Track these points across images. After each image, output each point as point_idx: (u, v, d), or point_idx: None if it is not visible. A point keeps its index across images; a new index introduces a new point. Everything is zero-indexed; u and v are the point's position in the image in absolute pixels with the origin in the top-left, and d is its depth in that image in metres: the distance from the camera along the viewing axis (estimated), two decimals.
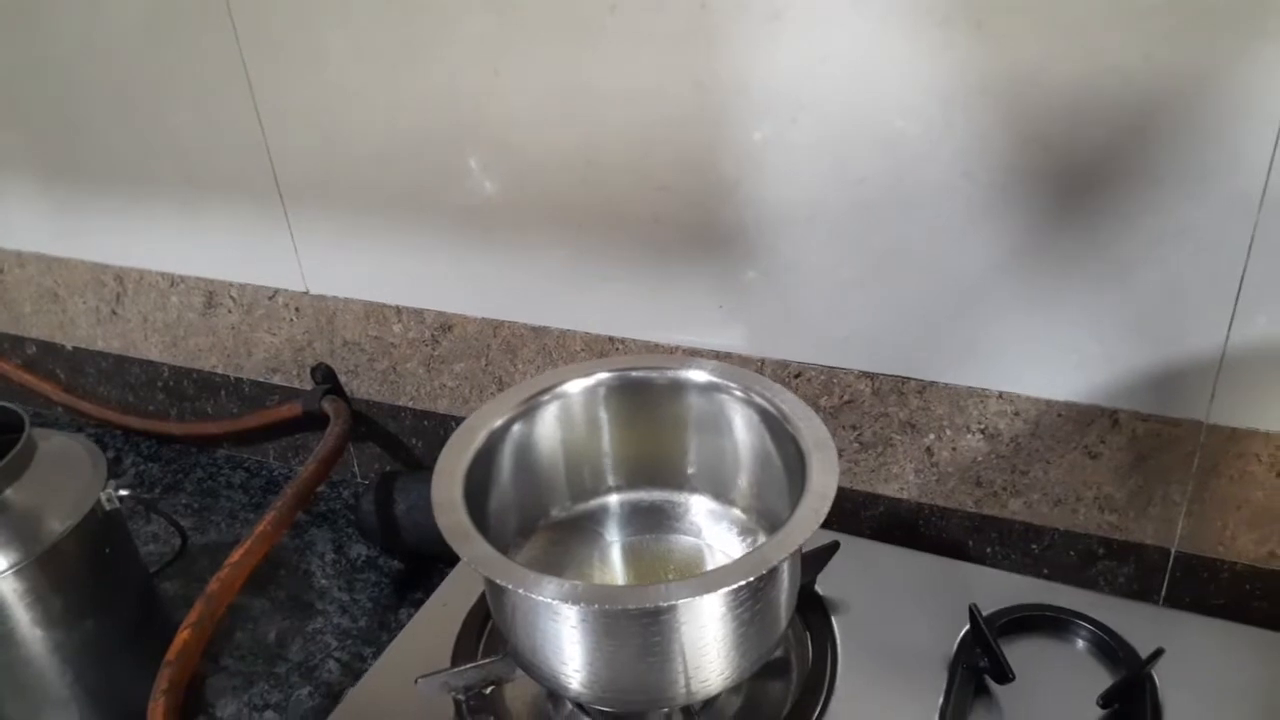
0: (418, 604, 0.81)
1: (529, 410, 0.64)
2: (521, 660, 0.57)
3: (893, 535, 0.82)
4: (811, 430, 0.59)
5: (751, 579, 0.50)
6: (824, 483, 0.55)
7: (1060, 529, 0.77)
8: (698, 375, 0.65)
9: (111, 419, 1.11)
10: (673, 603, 0.50)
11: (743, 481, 0.67)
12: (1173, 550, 0.74)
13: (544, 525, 0.68)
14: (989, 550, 0.80)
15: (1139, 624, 0.63)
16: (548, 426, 0.65)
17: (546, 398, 0.64)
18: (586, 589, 0.50)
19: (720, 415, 0.66)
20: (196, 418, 1.09)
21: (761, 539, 0.66)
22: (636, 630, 0.52)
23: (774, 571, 0.53)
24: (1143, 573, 0.76)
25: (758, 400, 0.62)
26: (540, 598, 0.50)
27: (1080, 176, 0.65)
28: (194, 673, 0.73)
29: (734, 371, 0.65)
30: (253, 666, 0.84)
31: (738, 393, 0.64)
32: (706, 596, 0.50)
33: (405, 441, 0.99)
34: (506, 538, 0.63)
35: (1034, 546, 0.78)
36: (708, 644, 0.53)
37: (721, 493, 0.69)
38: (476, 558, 0.53)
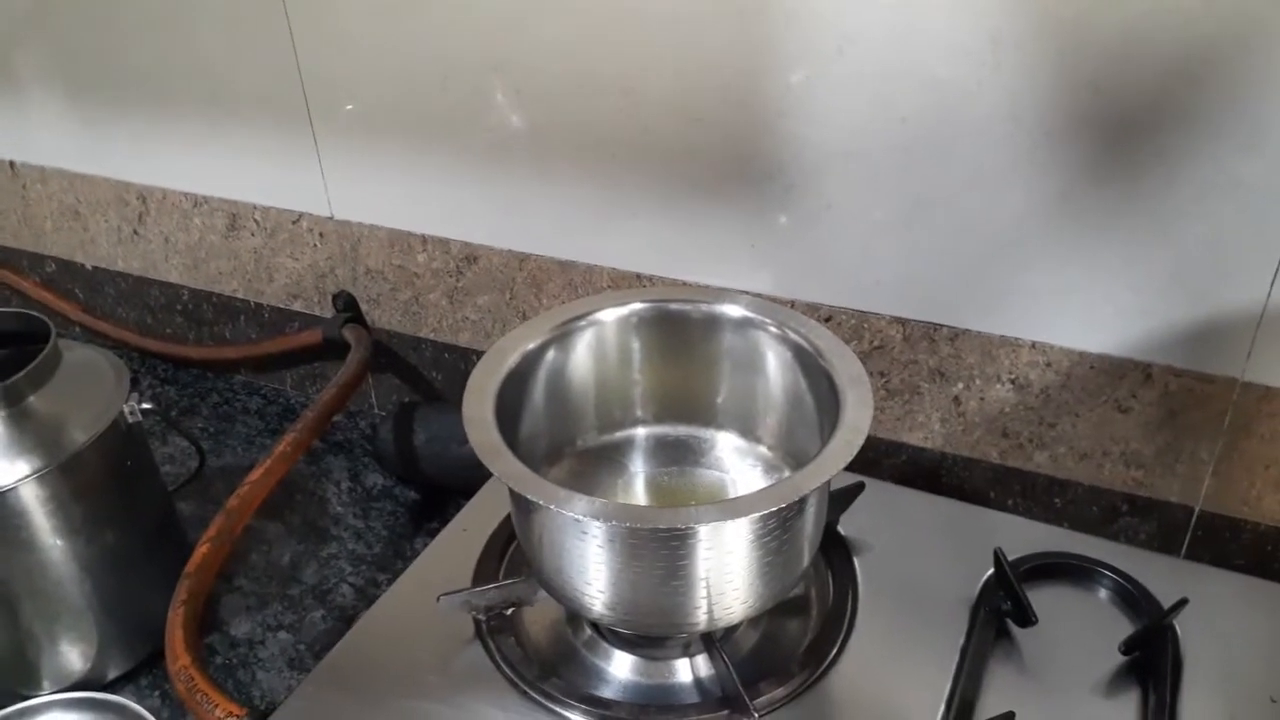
0: (433, 534, 0.82)
1: (563, 335, 0.64)
2: (544, 580, 0.58)
3: (914, 484, 0.82)
4: (846, 367, 0.59)
5: (780, 507, 0.51)
6: (858, 417, 0.55)
7: (1084, 483, 0.77)
8: (733, 310, 0.65)
9: (129, 340, 1.11)
10: (701, 525, 0.50)
11: (771, 419, 0.67)
12: (1196, 508, 0.74)
13: (570, 453, 0.68)
14: (1011, 503, 0.80)
15: (1162, 575, 0.63)
16: (581, 354, 0.66)
17: (582, 324, 0.64)
18: (615, 507, 0.50)
19: (753, 351, 0.66)
20: (214, 342, 1.09)
21: (785, 471, 0.67)
22: (663, 552, 0.52)
23: (802, 502, 0.54)
24: (1164, 530, 0.76)
25: (792, 336, 0.62)
26: (570, 514, 0.50)
27: (1129, 124, 0.64)
28: (209, 591, 0.74)
29: (769, 308, 0.65)
30: (267, 588, 0.85)
31: (772, 329, 0.64)
32: (734, 521, 0.50)
33: (425, 374, 1.00)
34: (534, 462, 0.63)
35: (1057, 500, 0.79)
36: (732, 571, 0.54)
37: (749, 430, 0.69)
38: (507, 473, 0.53)
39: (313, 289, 1.00)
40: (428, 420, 0.91)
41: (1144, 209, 0.66)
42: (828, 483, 0.56)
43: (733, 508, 0.50)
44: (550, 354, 0.63)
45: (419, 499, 0.93)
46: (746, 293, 0.79)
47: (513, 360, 0.60)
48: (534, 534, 0.56)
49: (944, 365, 0.77)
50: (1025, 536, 0.67)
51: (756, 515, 0.50)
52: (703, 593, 0.54)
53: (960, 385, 0.77)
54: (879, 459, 0.82)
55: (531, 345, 0.62)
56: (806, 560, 0.59)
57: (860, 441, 0.54)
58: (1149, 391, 0.72)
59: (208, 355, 1.09)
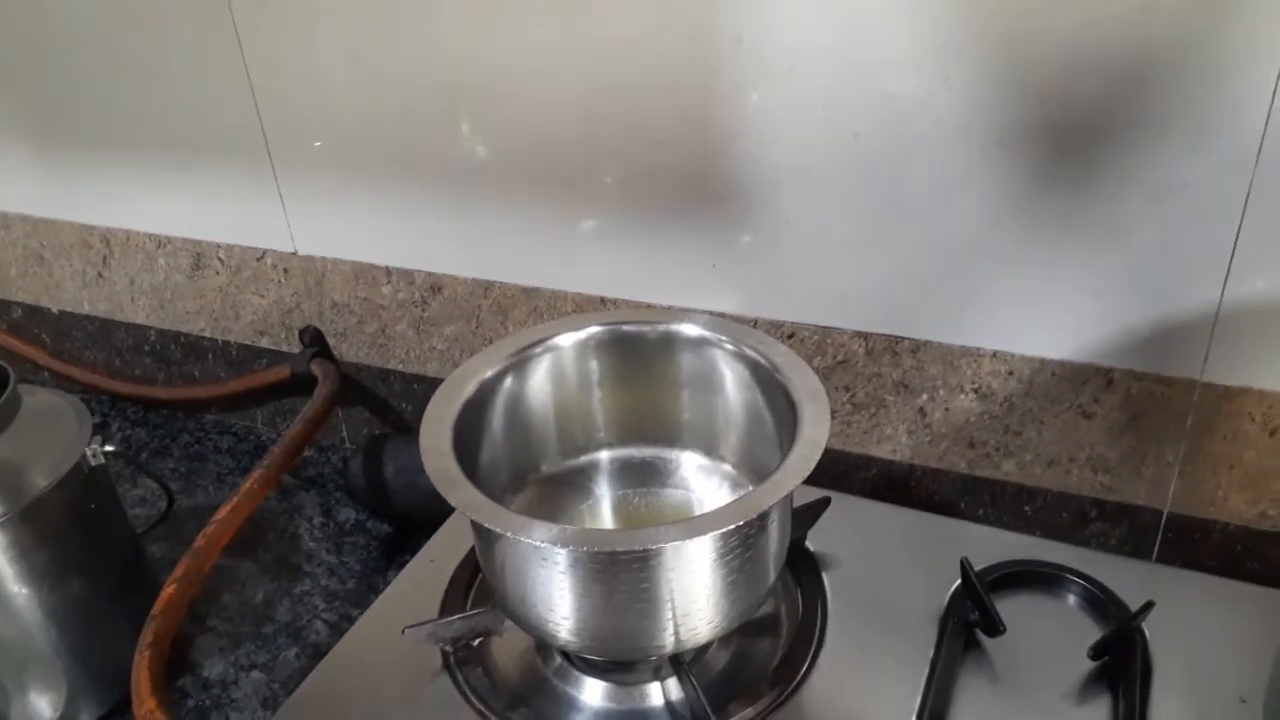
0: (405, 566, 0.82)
1: (520, 362, 0.64)
2: (510, 609, 0.57)
3: (885, 497, 0.82)
4: (804, 382, 0.59)
5: (742, 523, 0.50)
6: (816, 431, 0.55)
7: (1053, 490, 0.77)
8: (689, 329, 0.65)
9: (98, 383, 1.10)
10: (662, 545, 0.50)
11: (733, 437, 0.67)
12: (1165, 511, 0.74)
13: (534, 479, 0.68)
14: (981, 512, 0.80)
15: (1130, 579, 0.63)
16: (539, 379, 0.65)
17: (538, 350, 0.64)
18: (576, 533, 0.50)
19: (712, 370, 0.66)
20: (184, 382, 1.09)
21: (749, 487, 0.66)
22: (625, 575, 0.52)
23: (764, 517, 0.53)
24: (1135, 534, 0.76)
25: (749, 354, 0.63)
26: (530, 541, 0.50)
27: (1077, 131, 0.65)
28: (180, 633, 0.73)
29: (725, 325, 0.65)
30: (239, 627, 0.84)
31: (729, 346, 0.64)
32: (696, 540, 0.50)
33: (395, 405, 0.99)
34: (496, 490, 0.63)
35: (1026, 508, 0.79)
36: (697, 590, 0.54)
37: (712, 448, 0.69)
38: (465, 502, 0.53)
39: (279, 325, 1.00)
40: (397, 452, 0.91)
41: (1097, 215, 0.67)
42: (789, 497, 0.56)
43: (694, 526, 0.50)
44: (508, 381, 0.63)
45: (391, 532, 0.93)
46: (706, 312, 0.80)
47: (470, 388, 0.60)
48: (496, 563, 0.56)
49: (907, 377, 0.77)
50: (993, 545, 0.67)
51: (718, 533, 0.50)
52: (668, 614, 0.54)
53: (925, 396, 0.77)
54: (849, 473, 0.82)
55: (489, 373, 0.62)
56: (772, 576, 0.58)
57: (817, 455, 0.54)
58: (1111, 396, 0.72)
59: (177, 395, 1.08)
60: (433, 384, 0.96)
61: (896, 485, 0.82)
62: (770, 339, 0.63)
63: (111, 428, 1.09)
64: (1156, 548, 0.76)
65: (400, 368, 0.96)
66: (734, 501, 0.51)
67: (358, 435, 1.03)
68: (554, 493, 0.68)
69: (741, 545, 0.53)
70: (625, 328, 0.66)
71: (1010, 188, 0.68)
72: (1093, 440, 0.74)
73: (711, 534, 0.50)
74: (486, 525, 0.51)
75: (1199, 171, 0.63)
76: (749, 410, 0.65)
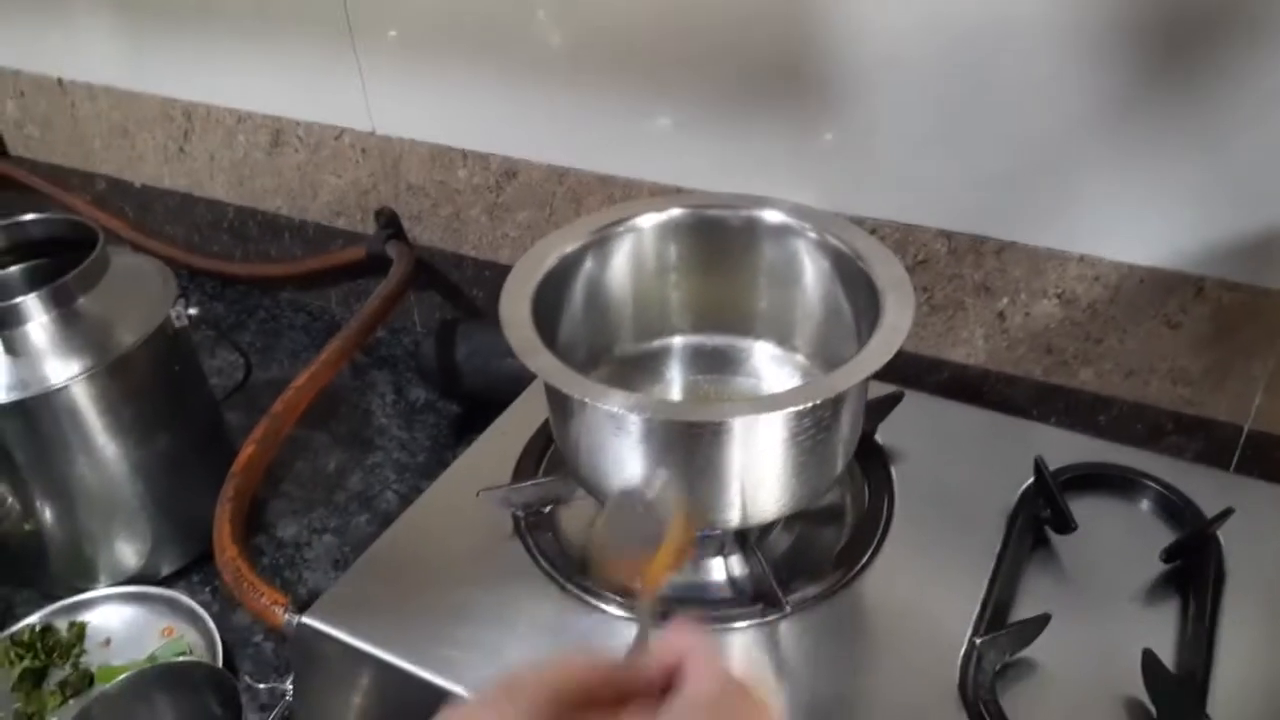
0: None
1: (600, 241, 0.63)
2: (581, 477, 0.58)
3: (957, 400, 0.81)
4: (887, 270, 0.58)
5: (815, 404, 0.50)
6: (899, 318, 0.55)
7: (1129, 400, 0.76)
8: (772, 215, 0.64)
9: (177, 257, 1.12)
10: (734, 419, 0.50)
11: (809, 328, 0.67)
12: (1246, 427, 0.73)
13: (608, 360, 0.68)
14: (1054, 420, 0.79)
15: (1207, 487, 0.62)
16: (618, 260, 0.65)
17: (619, 229, 0.64)
18: (651, 401, 0.50)
19: (792, 259, 0.65)
20: (260, 259, 1.10)
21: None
22: (697, 446, 0.52)
23: (837, 401, 0.53)
24: (1212, 449, 0.74)
25: (832, 242, 0.61)
26: (606, 407, 0.50)
27: (1192, 26, 0.62)
28: (256, 494, 0.75)
29: (809, 213, 0.64)
30: (312, 494, 0.87)
31: (812, 235, 0.63)
32: (767, 416, 0.50)
33: (466, 291, 1.00)
34: (572, 366, 0.64)
35: (1100, 418, 0.77)
36: (766, 468, 0.54)
37: (786, 338, 0.68)
38: (544, 368, 0.53)
39: (355, 206, 1.00)
40: (469, 336, 0.92)
41: (1202, 117, 0.64)
42: (864, 384, 0.55)
43: (766, 403, 0.50)
44: (588, 259, 0.63)
45: (461, 412, 0.94)
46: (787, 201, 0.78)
47: (550, 263, 0.60)
48: (570, 432, 0.57)
49: (989, 279, 0.76)
50: (1068, 447, 0.66)
51: (790, 411, 0.50)
52: (737, 489, 0.54)
53: (1005, 300, 0.76)
54: (920, 375, 0.81)
55: (569, 249, 0.62)
56: (841, 463, 0.58)
57: (899, 341, 0.53)
58: (1200, 306, 0.70)
59: (254, 272, 1.10)
60: (504, 271, 0.93)
61: (969, 390, 0.81)
62: (854, 227, 0.62)
63: (190, 301, 1.11)
64: (1234, 464, 0.74)
65: (473, 253, 0.97)
66: (809, 383, 0.51)
67: (429, 319, 1.04)
68: (627, 373, 0.68)
69: (814, 427, 0.53)
70: (708, 211, 0.65)
71: (1111, 83, 0.65)
72: (1176, 351, 0.72)
73: (783, 411, 0.50)
74: (565, 390, 0.51)
75: None
76: (827, 301, 0.64)
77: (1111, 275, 0.72)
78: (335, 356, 0.81)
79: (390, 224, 0.99)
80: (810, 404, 0.50)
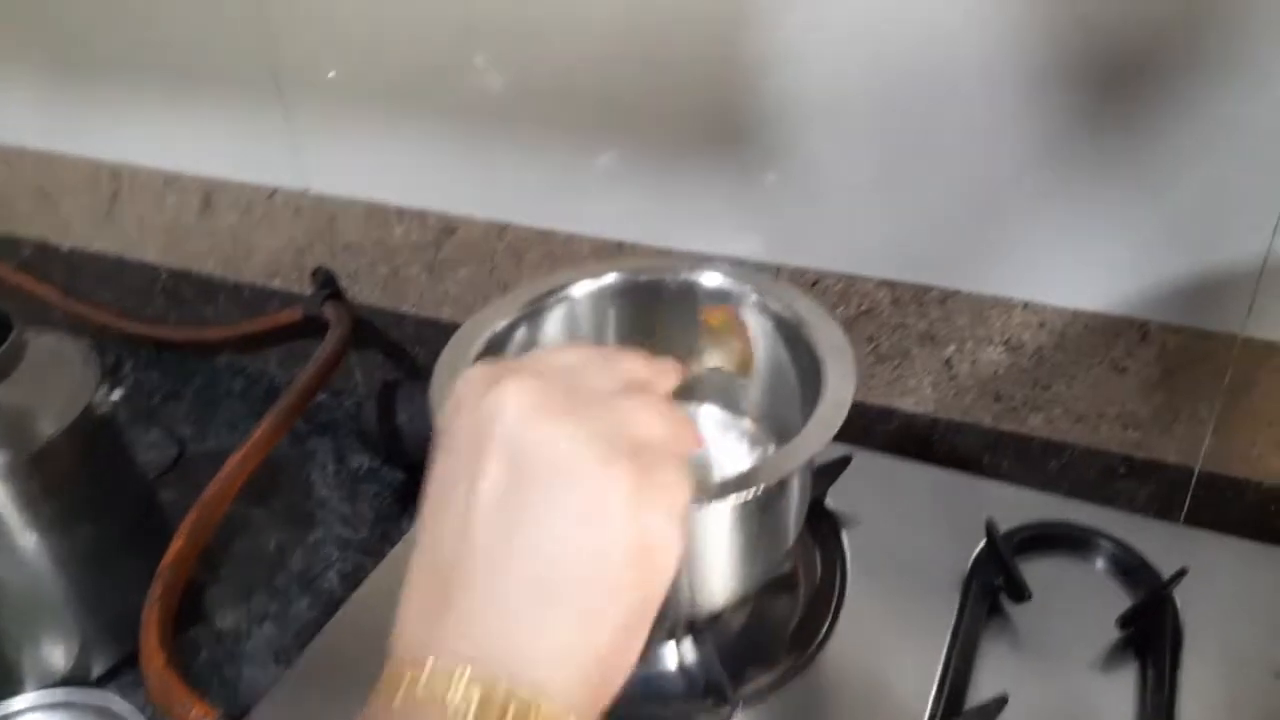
0: None
1: (532, 314, 0.61)
2: None
3: (907, 450, 0.79)
4: (828, 336, 0.56)
5: (760, 491, 0.48)
6: (840, 390, 0.52)
7: (1081, 445, 0.74)
8: (711, 279, 0.62)
9: (110, 323, 1.08)
10: None
11: (754, 392, 0.65)
12: (1196, 469, 0.72)
13: None
14: (1005, 466, 0.77)
15: (1161, 542, 0.61)
16: (552, 332, 0.63)
17: (551, 300, 0.61)
18: None
19: None
20: (196, 323, 1.07)
21: (772, 450, 0.64)
22: None
23: (784, 483, 0.51)
24: (1164, 491, 0.73)
25: (772, 305, 0.59)
26: None
27: (1126, 66, 0.60)
28: (192, 581, 0.72)
29: (748, 275, 0.62)
30: (252, 577, 0.83)
31: (752, 298, 0.61)
32: (712, 506, 0.48)
33: (408, 350, 0.97)
34: None
35: (1053, 463, 0.76)
36: (713, 556, 0.51)
37: (731, 403, 0.66)
38: None
39: (291, 266, 0.97)
40: (411, 399, 0.89)
41: (1142, 159, 0.63)
42: (811, 460, 0.53)
43: (708, 493, 0.48)
44: (521, 332, 0.60)
45: (406, 479, 0.91)
46: (728, 259, 0.76)
47: (482, 341, 0.58)
48: None
49: (934, 328, 0.74)
50: (1019, 505, 0.65)
51: (735, 501, 0.48)
52: (682, 579, 0.51)
53: (952, 348, 0.74)
54: (870, 425, 0.80)
55: (501, 324, 0.59)
56: (791, 539, 0.56)
57: (841, 417, 0.51)
58: (1146, 350, 0.69)
59: (189, 337, 1.06)
60: (447, 329, 0.92)
61: (919, 438, 0.79)
62: (794, 290, 0.60)
63: (124, 369, 1.08)
64: (1186, 505, 0.73)
65: (414, 311, 0.94)
66: (753, 467, 0.49)
67: (371, 379, 1.01)
68: None
69: (760, 510, 0.51)
70: (643, 277, 0.63)
71: (1050, 128, 0.64)
72: (1124, 395, 0.71)
73: (728, 501, 0.48)
74: None
75: (1256, 113, 0.59)
76: (772, 364, 0.62)
77: (1056, 321, 0.70)
78: (268, 435, 0.77)
79: (327, 284, 0.95)
80: (754, 491, 0.48)
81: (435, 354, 0.95)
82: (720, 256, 0.77)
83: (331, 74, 0.83)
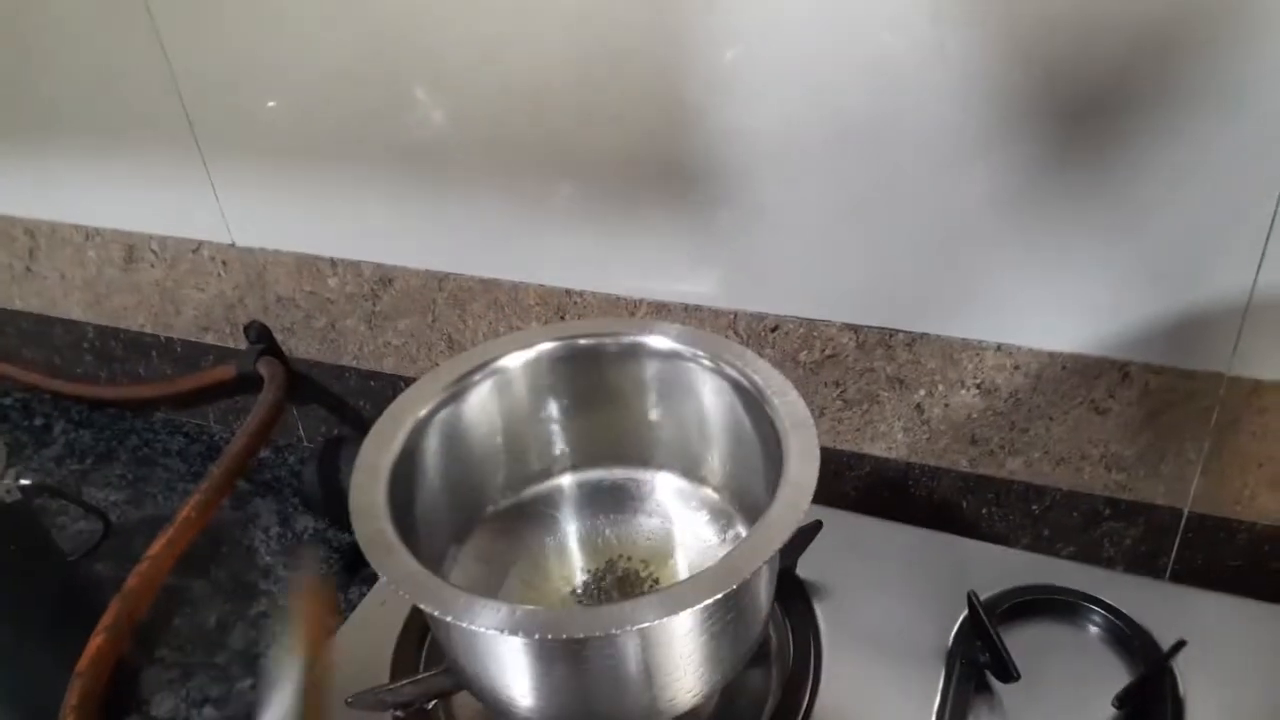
0: (370, 580, 0.74)
1: (461, 392, 0.55)
2: (465, 682, 0.50)
3: (880, 496, 0.75)
4: (788, 407, 0.51)
5: (722, 595, 0.42)
6: (803, 472, 0.47)
7: (1063, 489, 0.70)
8: (658, 342, 0.57)
9: (39, 383, 1.02)
10: (631, 629, 0.42)
11: (714, 458, 0.59)
12: (1185, 510, 0.67)
13: (490, 515, 0.60)
14: (985, 511, 0.73)
15: (1153, 604, 0.56)
16: (484, 408, 0.57)
17: (479, 376, 0.56)
18: (529, 616, 0.42)
19: (687, 384, 0.58)
20: (128, 380, 1.00)
21: (737, 522, 0.59)
22: (592, 656, 0.44)
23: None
24: (1152, 534, 0.69)
25: (729, 371, 0.54)
26: (477, 628, 0.42)
27: (1091, 102, 0.56)
28: (124, 664, 0.66)
29: (700, 337, 0.56)
30: (191, 657, 0.77)
31: (706, 361, 0.56)
32: (672, 619, 0.42)
33: (351, 403, 0.91)
34: (443, 539, 0.55)
35: (1034, 507, 0.71)
36: (674, 663, 0.46)
37: (692, 469, 0.61)
38: (401, 574, 0.45)
39: (223, 320, 0.91)
40: (353, 456, 0.82)
41: (1114, 196, 0.58)
42: (777, 552, 0.48)
43: (669, 601, 0.42)
44: (448, 414, 0.55)
45: (353, 542, 0.84)
46: (685, 307, 0.71)
47: (405, 431, 0.52)
48: (443, 634, 0.48)
49: (903, 372, 0.69)
50: (1002, 567, 0.60)
51: (695, 609, 0.42)
52: (643, 689, 0.46)
53: (922, 392, 0.69)
54: (841, 471, 0.75)
55: (423, 411, 0.53)
56: (759, 628, 0.51)
57: (806, 502, 0.46)
58: (1127, 391, 0.64)
59: (122, 394, 0.99)
60: (390, 380, 0.88)
61: (892, 484, 0.74)
62: (749, 353, 0.54)
63: (54, 430, 1.01)
64: (1175, 548, 0.69)
65: (354, 364, 0.88)
66: (711, 569, 0.43)
67: (314, 433, 0.95)
68: (513, 528, 0.60)
69: (723, 609, 0.46)
70: (582, 342, 0.57)
71: (1015, 167, 0.59)
72: (1107, 437, 0.66)
73: (688, 611, 0.42)
74: (424, 607, 0.43)
75: (1230, 148, 0.54)
76: (730, 428, 0.57)
77: (1032, 364, 0.65)
78: (196, 514, 0.71)
79: (261, 338, 0.89)
80: (717, 597, 0.42)
81: (379, 406, 0.89)
82: (674, 305, 0.72)
83: (271, 104, 0.77)
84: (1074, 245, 0.60)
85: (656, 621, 0.42)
